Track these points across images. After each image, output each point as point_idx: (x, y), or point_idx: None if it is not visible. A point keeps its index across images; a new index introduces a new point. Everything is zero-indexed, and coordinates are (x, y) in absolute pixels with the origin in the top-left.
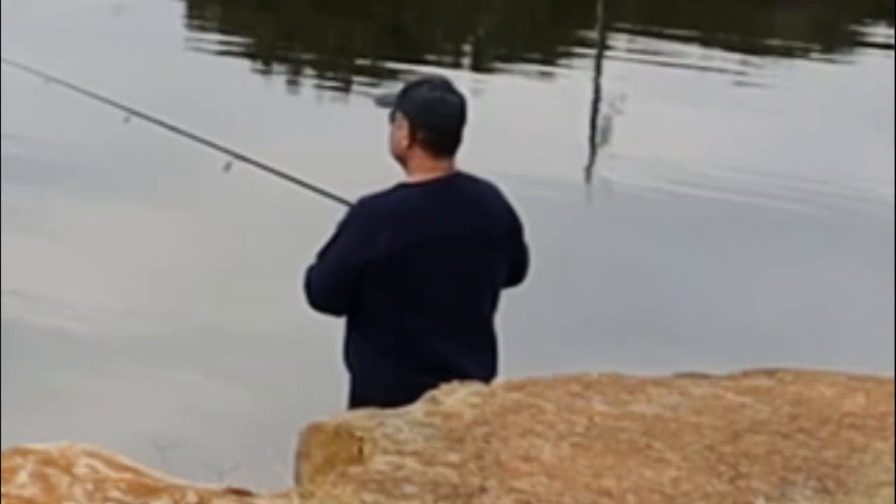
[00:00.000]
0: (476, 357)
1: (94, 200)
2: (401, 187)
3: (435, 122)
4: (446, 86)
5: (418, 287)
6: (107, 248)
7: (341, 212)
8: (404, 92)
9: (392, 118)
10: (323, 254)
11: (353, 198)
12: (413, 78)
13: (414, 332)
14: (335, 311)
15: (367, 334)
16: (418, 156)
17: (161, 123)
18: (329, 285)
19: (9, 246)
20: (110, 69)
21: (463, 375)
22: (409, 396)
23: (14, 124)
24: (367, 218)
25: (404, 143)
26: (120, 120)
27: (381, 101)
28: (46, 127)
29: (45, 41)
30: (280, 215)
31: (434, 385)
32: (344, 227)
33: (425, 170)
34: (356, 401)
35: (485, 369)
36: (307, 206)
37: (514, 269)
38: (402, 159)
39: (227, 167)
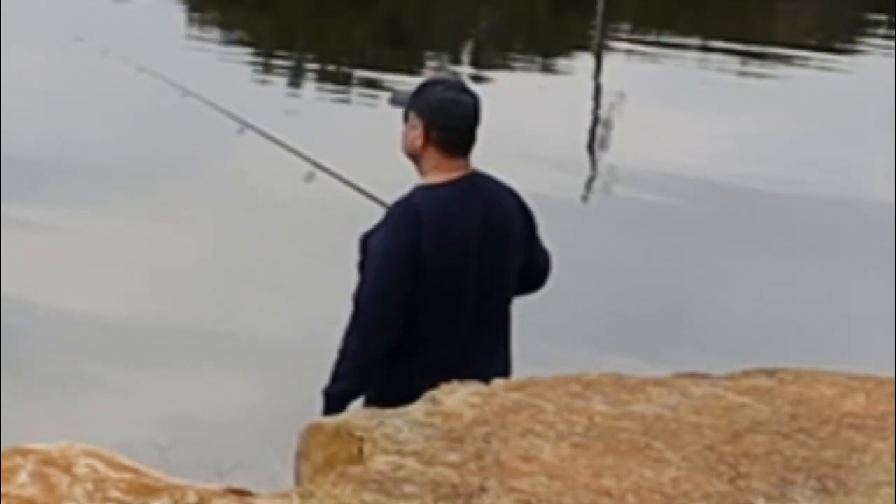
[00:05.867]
0: (494, 357)
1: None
2: (421, 189)
3: (448, 123)
4: (460, 86)
5: (442, 290)
6: (110, 251)
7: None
8: (418, 91)
9: (406, 117)
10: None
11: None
12: (426, 78)
13: (434, 334)
14: (392, 328)
15: None
16: (433, 156)
17: (273, 139)
18: (380, 303)
19: (12, 250)
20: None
21: (482, 376)
22: None
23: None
24: (406, 225)
25: (418, 142)
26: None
27: (395, 100)
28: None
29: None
30: (292, 221)
31: None
32: (384, 236)
33: (442, 170)
34: (371, 405)
35: (501, 367)
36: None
37: (534, 272)
38: (415, 158)
39: (310, 177)
